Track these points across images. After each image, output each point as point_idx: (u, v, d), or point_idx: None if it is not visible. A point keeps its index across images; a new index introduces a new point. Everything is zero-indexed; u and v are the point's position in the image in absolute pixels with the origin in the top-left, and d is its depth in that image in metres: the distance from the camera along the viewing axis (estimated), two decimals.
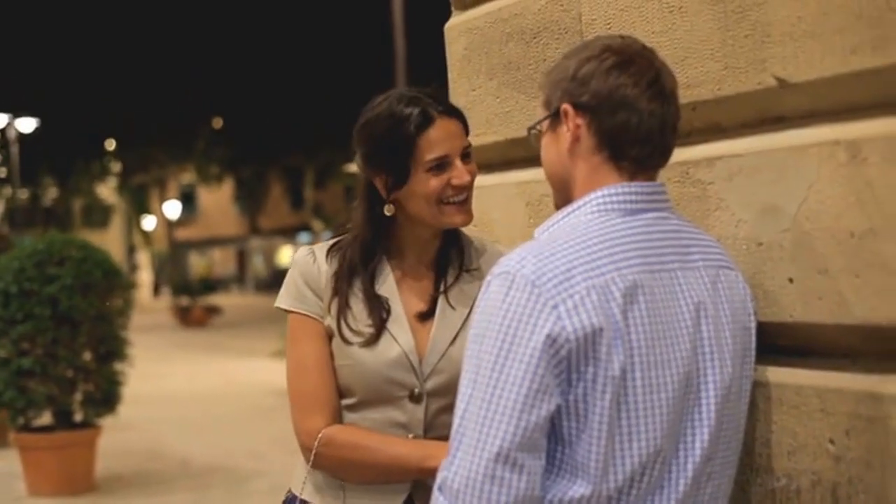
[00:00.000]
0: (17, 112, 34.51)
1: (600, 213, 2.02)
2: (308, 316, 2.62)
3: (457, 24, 3.14)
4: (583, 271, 1.91)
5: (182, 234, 58.54)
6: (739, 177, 2.27)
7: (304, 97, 35.20)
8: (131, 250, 60.52)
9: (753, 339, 2.15)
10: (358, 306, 2.60)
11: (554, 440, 1.92)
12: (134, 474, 10.06)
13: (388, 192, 2.59)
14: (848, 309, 2.06)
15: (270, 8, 34.14)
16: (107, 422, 9.70)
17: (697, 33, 2.34)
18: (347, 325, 2.58)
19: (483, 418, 1.87)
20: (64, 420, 9.40)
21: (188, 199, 60.19)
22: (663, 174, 2.41)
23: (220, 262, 67.98)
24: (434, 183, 2.54)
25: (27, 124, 35.54)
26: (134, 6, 34.09)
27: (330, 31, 34.40)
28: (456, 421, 1.91)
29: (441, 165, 2.55)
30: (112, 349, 9.53)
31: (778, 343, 2.24)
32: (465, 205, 2.58)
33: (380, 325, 2.57)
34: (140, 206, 54.29)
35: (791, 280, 2.17)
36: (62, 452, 9.27)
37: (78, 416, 9.52)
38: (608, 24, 2.56)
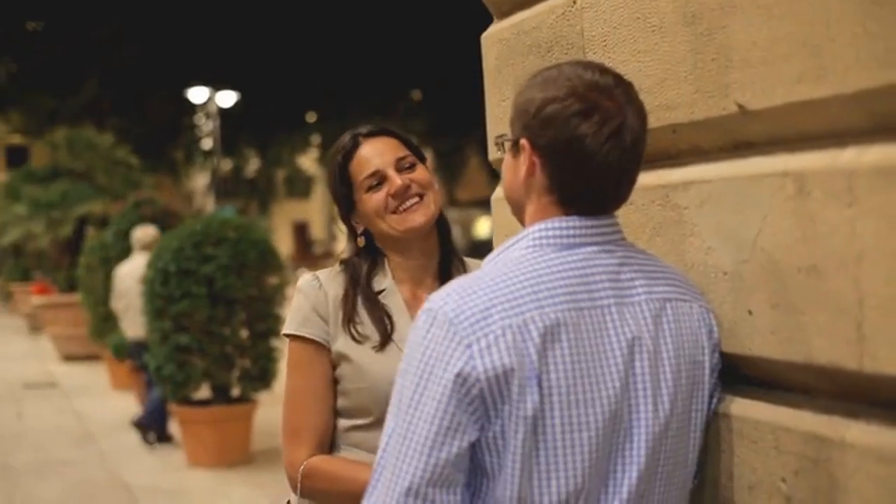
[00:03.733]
0: (217, 86, 35.42)
1: (535, 247, 2.01)
2: (313, 340, 2.67)
3: (491, 34, 3.13)
4: (501, 310, 1.90)
5: None
6: (709, 203, 2.21)
7: None
8: (332, 220, 61.73)
9: (707, 372, 2.10)
10: (364, 315, 2.67)
11: (481, 473, 1.93)
12: None
13: (347, 222, 2.77)
14: (795, 346, 1.99)
15: None
16: (263, 396, 9.99)
17: (674, 54, 2.28)
18: (357, 331, 2.64)
19: (399, 453, 1.89)
20: (221, 394, 9.72)
21: None
22: (647, 196, 2.39)
23: None
24: (375, 200, 2.68)
25: (227, 98, 36.45)
26: None
27: None
28: (379, 453, 1.94)
29: (379, 182, 2.68)
30: (269, 326, 9.78)
31: (744, 374, 2.18)
32: (417, 207, 2.69)
33: (385, 332, 2.64)
34: None
35: (750, 312, 2.11)
36: (219, 426, 9.61)
37: (235, 391, 9.82)
38: (604, 41, 2.52)
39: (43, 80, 33.54)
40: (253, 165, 46.64)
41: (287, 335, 2.73)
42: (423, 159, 2.78)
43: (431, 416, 1.87)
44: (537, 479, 1.90)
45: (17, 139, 44.24)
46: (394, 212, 2.67)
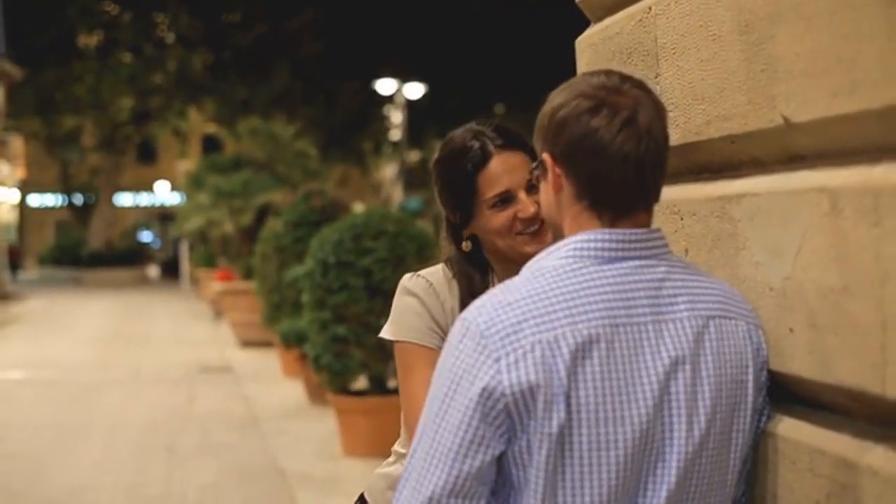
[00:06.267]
0: (405, 78, 35.79)
1: (574, 258, 1.98)
2: (431, 349, 2.61)
3: (584, 38, 3.11)
4: (533, 325, 1.90)
5: None
6: (758, 216, 2.17)
7: None
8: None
9: (750, 392, 2.05)
10: None
11: (508, 486, 1.94)
12: None
13: (460, 229, 2.67)
14: (828, 367, 1.94)
15: None
16: None
17: (730, 64, 2.24)
18: None
19: (424, 461, 1.92)
20: (378, 385, 9.83)
21: None
22: (708, 207, 2.35)
23: None
24: (500, 218, 2.60)
25: (415, 90, 36.81)
26: None
27: None
28: (407, 460, 1.97)
29: (505, 200, 2.60)
30: None
31: (789, 392, 2.13)
32: (537, 235, 2.60)
33: None
34: None
35: (791, 330, 2.06)
36: (375, 416, 9.69)
37: (392, 383, 9.92)
38: (674, 48, 2.48)
39: (236, 71, 34.49)
40: None
41: (404, 342, 2.66)
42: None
43: (456, 428, 1.89)
44: (562, 496, 1.90)
45: (211, 128, 45.65)
46: (517, 233, 2.61)
